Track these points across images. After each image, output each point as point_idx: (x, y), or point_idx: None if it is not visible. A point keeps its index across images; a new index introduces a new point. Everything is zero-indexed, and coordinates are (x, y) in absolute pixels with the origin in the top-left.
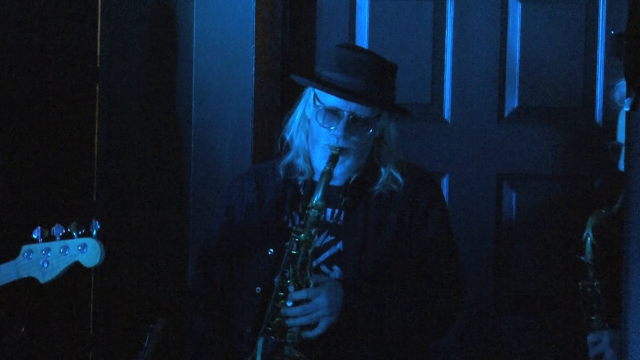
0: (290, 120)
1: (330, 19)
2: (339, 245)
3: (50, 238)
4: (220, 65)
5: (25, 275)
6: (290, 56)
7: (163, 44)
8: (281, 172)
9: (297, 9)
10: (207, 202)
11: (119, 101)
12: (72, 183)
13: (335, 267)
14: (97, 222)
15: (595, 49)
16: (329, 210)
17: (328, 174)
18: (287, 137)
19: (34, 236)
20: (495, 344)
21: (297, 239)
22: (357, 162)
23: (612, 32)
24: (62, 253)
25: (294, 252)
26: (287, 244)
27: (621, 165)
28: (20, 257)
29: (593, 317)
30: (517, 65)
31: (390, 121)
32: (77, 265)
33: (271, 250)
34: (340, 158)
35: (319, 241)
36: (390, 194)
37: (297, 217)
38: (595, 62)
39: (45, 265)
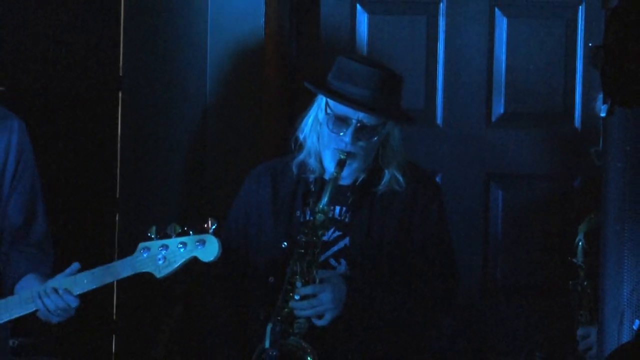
0: (303, 122)
1: (333, 33)
2: (346, 240)
3: (165, 236)
4: (232, 73)
5: (141, 271)
6: (296, 65)
7: (179, 55)
8: (294, 170)
9: (302, 24)
10: (221, 198)
11: (140, 107)
12: (97, 181)
13: (342, 261)
14: (214, 221)
15: (575, 59)
16: (337, 208)
17: (335, 180)
18: (300, 137)
19: (150, 235)
20: (482, 331)
21: (304, 240)
22: (364, 164)
23: (590, 44)
24: (179, 249)
25: (302, 251)
26: (298, 238)
27: None
28: (136, 254)
29: (582, 313)
30: (503, 75)
31: (395, 127)
32: (194, 260)
33: (285, 243)
34: (348, 161)
35: (327, 236)
36: (392, 193)
37: (308, 212)
38: (574, 71)
39: (162, 261)
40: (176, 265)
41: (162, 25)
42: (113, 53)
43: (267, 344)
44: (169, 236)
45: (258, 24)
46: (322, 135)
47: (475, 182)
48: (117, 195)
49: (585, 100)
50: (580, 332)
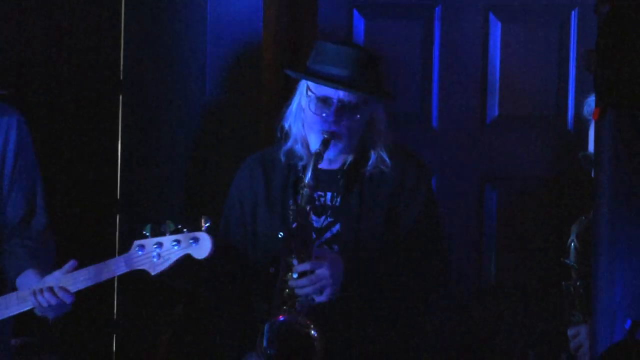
0: (287, 111)
1: (331, 37)
2: (337, 226)
3: (160, 234)
4: (231, 77)
5: (137, 268)
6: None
7: (179, 58)
8: (282, 158)
9: (300, 29)
10: (221, 200)
11: (140, 110)
12: (98, 182)
13: (335, 247)
14: (208, 219)
15: (568, 63)
16: (329, 194)
17: (317, 156)
18: (286, 126)
19: (145, 232)
20: (477, 330)
21: (295, 217)
22: (350, 144)
23: (584, 48)
24: (173, 246)
25: (294, 227)
26: (291, 210)
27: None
28: (132, 252)
29: (574, 313)
30: (497, 78)
31: (378, 107)
32: (187, 257)
33: (281, 233)
34: (333, 142)
35: (319, 222)
36: (381, 175)
37: (299, 199)
38: (567, 74)
39: (156, 258)
40: (170, 262)
41: (162, 29)
42: (114, 57)
43: (264, 343)
44: (163, 234)
45: (257, 29)
46: (307, 119)
47: (470, 184)
48: (118, 197)
49: (578, 102)
50: (570, 332)
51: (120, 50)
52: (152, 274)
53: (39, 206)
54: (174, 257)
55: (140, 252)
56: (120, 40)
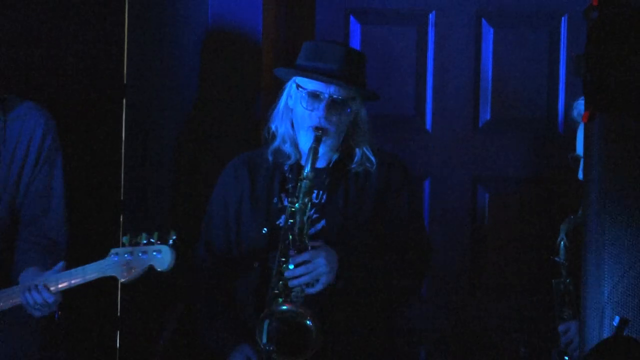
0: (274, 112)
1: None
2: (322, 222)
3: (135, 244)
4: (231, 81)
5: (108, 275)
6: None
7: (181, 63)
8: (270, 158)
9: (298, 34)
10: None
11: (143, 113)
12: (102, 184)
13: (320, 242)
14: (174, 233)
15: (558, 67)
16: (315, 192)
17: (315, 150)
18: (273, 127)
19: (123, 241)
20: (469, 327)
21: (292, 209)
22: (337, 141)
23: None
24: (141, 257)
25: (291, 221)
26: (278, 222)
27: (580, 175)
28: (107, 258)
29: (564, 310)
30: (489, 82)
31: (362, 106)
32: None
33: (265, 229)
34: (323, 138)
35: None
36: (366, 175)
37: (286, 199)
38: (557, 79)
39: (126, 266)
40: (138, 271)
41: (164, 34)
42: (117, 61)
43: (264, 340)
44: (138, 244)
45: (256, 34)
46: (296, 117)
47: (462, 185)
48: (122, 198)
49: (568, 106)
50: (561, 328)
51: (123, 54)
52: (121, 280)
53: (54, 204)
54: (140, 267)
55: (115, 259)
56: (123, 44)
